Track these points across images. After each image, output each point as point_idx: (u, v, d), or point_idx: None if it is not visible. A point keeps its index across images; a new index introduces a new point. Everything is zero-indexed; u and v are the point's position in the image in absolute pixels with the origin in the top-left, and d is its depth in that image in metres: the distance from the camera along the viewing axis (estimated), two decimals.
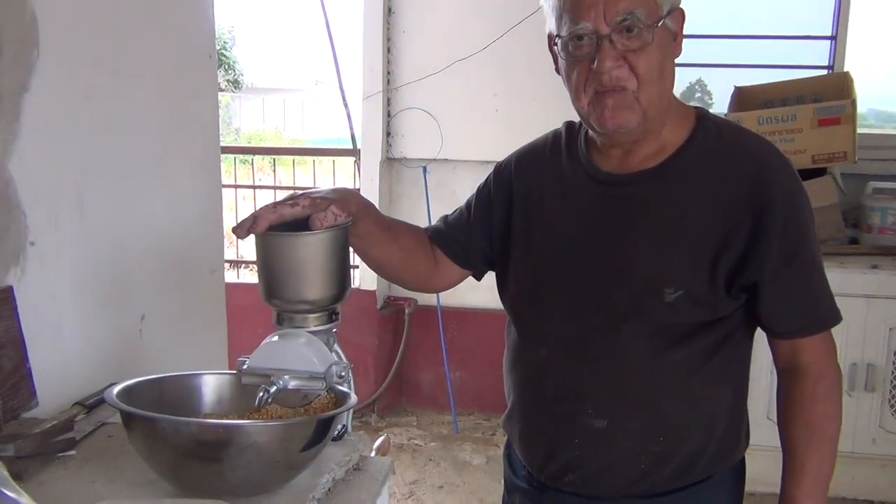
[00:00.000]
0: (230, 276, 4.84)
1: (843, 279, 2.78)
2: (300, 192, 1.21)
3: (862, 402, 2.97)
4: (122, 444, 1.23)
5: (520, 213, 1.36)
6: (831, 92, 3.15)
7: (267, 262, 1.15)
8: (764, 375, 2.80)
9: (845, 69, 3.49)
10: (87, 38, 1.46)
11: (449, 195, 3.85)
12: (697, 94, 4.16)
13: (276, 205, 1.15)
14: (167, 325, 1.75)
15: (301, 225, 1.15)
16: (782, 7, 3.73)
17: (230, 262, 5.12)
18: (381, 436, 1.40)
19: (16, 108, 1.28)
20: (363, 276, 3.97)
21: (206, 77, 1.93)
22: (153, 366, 1.55)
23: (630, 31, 1.16)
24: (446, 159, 3.92)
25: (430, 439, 3.81)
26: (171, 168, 1.78)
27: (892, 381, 2.98)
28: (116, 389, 1.07)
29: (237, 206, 4.83)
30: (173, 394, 1.16)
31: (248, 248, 5.97)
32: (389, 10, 3.89)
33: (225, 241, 2.20)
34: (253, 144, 12.76)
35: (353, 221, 1.21)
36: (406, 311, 4.07)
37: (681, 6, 1.23)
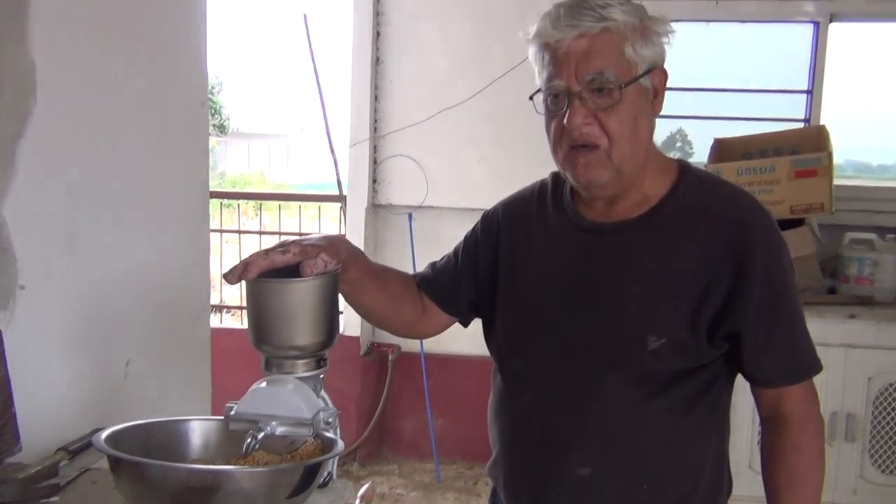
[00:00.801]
0: (213, 321, 4.82)
1: (821, 329, 2.80)
2: (291, 239, 1.22)
3: (842, 452, 2.98)
4: (105, 489, 1.22)
5: (506, 261, 1.39)
6: (808, 144, 3.22)
7: (257, 307, 1.16)
8: (746, 424, 2.82)
9: (821, 122, 3.57)
10: (82, 85, 1.49)
11: (434, 242, 3.87)
12: (678, 144, 4.23)
13: (267, 251, 1.17)
14: (152, 370, 1.75)
15: (291, 272, 1.16)
16: (760, 62, 3.83)
17: (214, 306, 5.10)
18: (365, 483, 1.40)
19: (11, 154, 1.30)
20: (347, 322, 3.96)
21: (198, 125, 1.96)
22: (137, 411, 1.55)
23: (600, 90, 1.20)
24: (431, 206, 3.96)
25: (411, 488, 3.77)
26: (161, 213, 1.79)
27: (871, 432, 3.00)
28: (104, 434, 1.07)
29: (221, 251, 4.83)
30: (161, 439, 1.16)
31: (230, 293, 5.95)
32: (377, 59, 3.96)
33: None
34: (237, 189, 12.77)
35: (342, 268, 1.23)
36: (390, 357, 4.05)
37: (662, 66, 1.27)
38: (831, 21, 3.57)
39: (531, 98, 1.28)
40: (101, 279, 1.57)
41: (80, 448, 1.31)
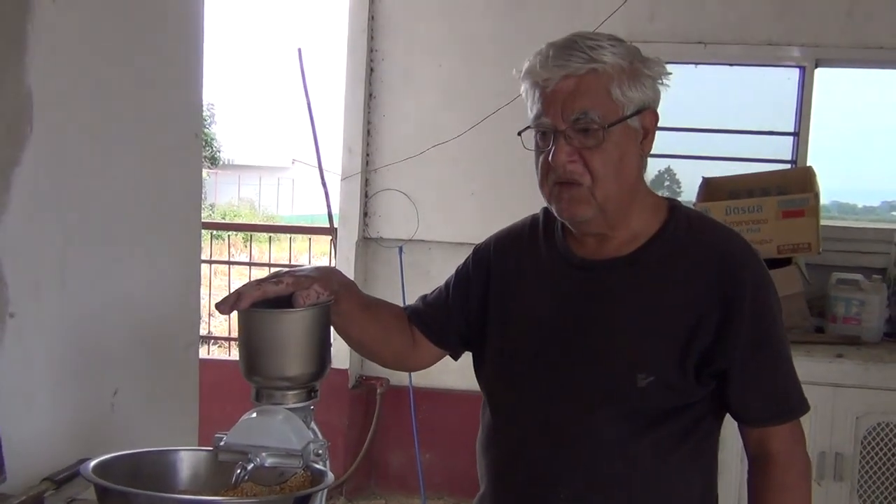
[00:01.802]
0: (201, 352, 4.79)
1: (809, 368, 2.82)
2: (284, 270, 1.23)
3: (831, 491, 2.97)
4: None
5: (497, 296, 1.40)
6: (795, 185, 3.26)
7: (249, 338, 1.17)
8: (735, 463, 2.81)
9: (808, 163, 3.62)
10: (77, 113, 1.50)
11: (424, 275, 3.88)
12: (666, 183, 4.28)
13: (259, 282, 1.17)
14: (139, 400, 1.74)
15: (284, 302, 1.17)
16: (748, 104, 3.89)
17: (201, 337, 5.07)
18: None
19: (6, 182, 1.31)
20: (336, 354, 3.92)
21: (191, 155, 1.97)
22: (123, 441, 1.54)
23: (585, 130, 1.22)
24: (422, 240, 3.98)
25: None
26: (152, 243, 1.79)
27: (860, 471, 3.00)
28: (92, 464, 1.06)
29: (210, 282, 4.82)
30: (149, 469, 1.15)
31: (218, 324, 5.93)
32: (370, 94, 4.00)
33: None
34: (227, 220, 12.77)
35: (334, 300, 1.23)
36: (378, 390, 4.04)
37: (652, 108, 1.28)
38: (817, 66, 3.65)
39: (520, 134, 1.31)
40: (91, 308, 1.56)
41: (66, 478, 1.30)
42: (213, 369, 3.43)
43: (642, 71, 1.25)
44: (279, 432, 1.13)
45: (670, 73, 1.29)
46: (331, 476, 1.13)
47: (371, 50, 3.97)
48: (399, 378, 3.97)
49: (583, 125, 1.22)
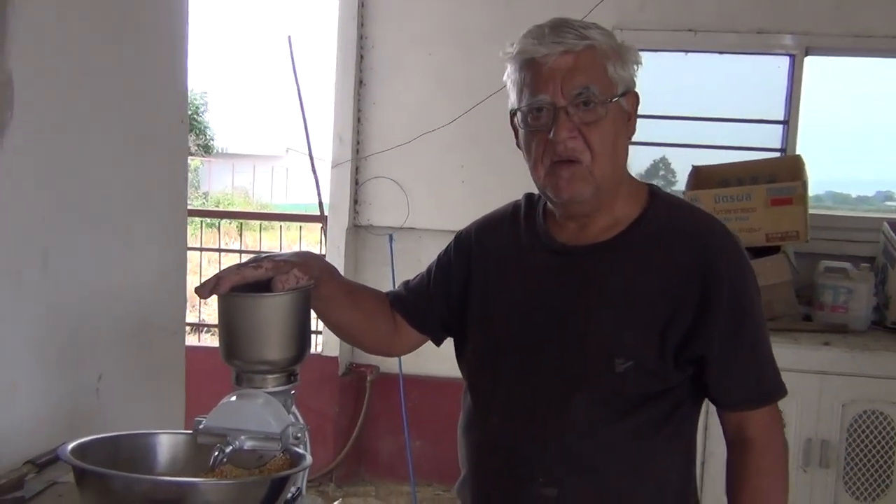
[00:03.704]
0: (191, 339, 4.79)
1: (796, 356, 2.84)
2: (264, 254, 1.23)
3: (816, 478, 3.00)
4: (72, 503, 1.21)
5: (477, 282, 1.40)
6: (784, 173, 3.27)
7: (228, 322, 1.17)
8: (722, 452, 2.83)
9: (797, 152, 3.63)
10: (59, 98, 1.50)
11: (414, 263, 3.88)
12: (661, 172, 4.28)
13: (239, 266, 1.17)
14: (124, 385, 1.74)
15: (263, 287, 1.17)
16: (738, 92, 3.89)
17: (192, 325, 5.08)
18: (336, 500, 1.40)
19: None
20: (326, 342, 3.96)
21: (177, 141, 1.97)
22: (108, 426, 1.54)
23: (586, 104, 1.23)
24: (412, 228, 3.98)
25: None
26: (136, 229, 1.79)
27: (846, 458, 3.02)
28: (70, 446, 1.07)
29: (202, 270, 4.82)
30: (128, 452, 1.15)
31: (209, 311, 5.93)
32: (360, 82, 3.99)
33: (187, 304, 2.20)
34: (221, 209, 12.75)
35: (314, 284, 1.24)
36: (368, 377, 4.05)
37: (635, 90, 1.31)
38: (807, 54, 3.65)
39: (513, 114, 1.30)
40: (74, 294, 1.57)
41: (48, 462, 1.31)
42: (205, 356, 3.43)
43: (627, 52, 1.28)
44: (258, 416, 1.13)
45: (642, 64, 1.31)
46: (309, 459, 1.14)
47: (361, 37, 3.96)
48: (389, 366, 3.98)
49: (585, 99, 1.22)
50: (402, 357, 3.76)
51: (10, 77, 1.34)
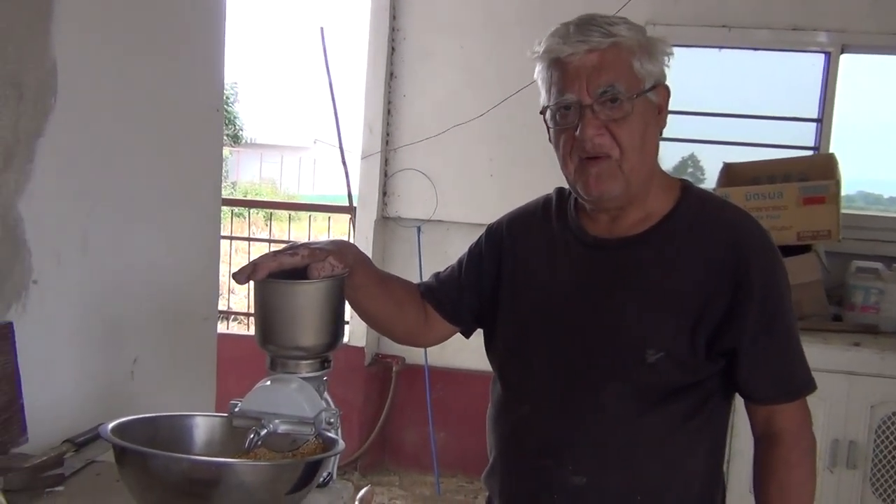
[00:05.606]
0: (220, 327, 4.85)
1: (825, 356, 2.82)
2: (300, 242, 1.25)
3: (843, 479, 2.97)
4: (109, 482, 1.24)
5: (509, 274, 1.41)
6: (817, 172, 3.24)
7: (264, 308, 1.19)
8: (749, 447, 2.81)
9: (830, 151, 3.59)
10: (101, 86, 1.53)
11: (441, 255, 3.89)
12: (690, 169, 4.25)
13: (276, 253, 1.19)
14: (158, 368, 1.77)
15: (299, 274, 1.19)
16: (771, 89, 3.85)
17: (221, 312, 5.14)
18: (365, 486, 1.42)
19: (30, 151, 1.34)
20: (353, 332, 3.99)
21: (212, 130, 1.99)
22: (142, 408, 1.56)
23: (612, 101, 1.23)
24: (440, 220, 3.99)
25: (411, 500, 3.78)
26: (173, 215, 1.82)
27: (873, 460, 2.99)
28: (111, 426, 1.09)
29: (230, 258, 4.87)
30: (166, 433, 1.18)
31: (237, 300, 5.99)
32: (391, 74, 4.01)
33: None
34: (249, 198, 12.86)
35: (349, 273, 1.25)
36: (394, 368, 4.07)
37: (666, 83, 1.31)
38: (842, 52, 3.60)
39: (542, 113, 1.31)
40: (112, 277, 1.60)
41: (86, 440, 1.33)
42: (233, 344, 3.48)
43: (656, 46, 1.28)
44: (292, 400, 1.15)
45: (673, 55, 1.31)
46: (342, 444, 1.16)
47: (393, 29, 3.97)
48: (414, 357, 4.01)
49: (610, 96, 1.23)
50: (428, 349, 3.79)
51: (55, 64, 1.37)
